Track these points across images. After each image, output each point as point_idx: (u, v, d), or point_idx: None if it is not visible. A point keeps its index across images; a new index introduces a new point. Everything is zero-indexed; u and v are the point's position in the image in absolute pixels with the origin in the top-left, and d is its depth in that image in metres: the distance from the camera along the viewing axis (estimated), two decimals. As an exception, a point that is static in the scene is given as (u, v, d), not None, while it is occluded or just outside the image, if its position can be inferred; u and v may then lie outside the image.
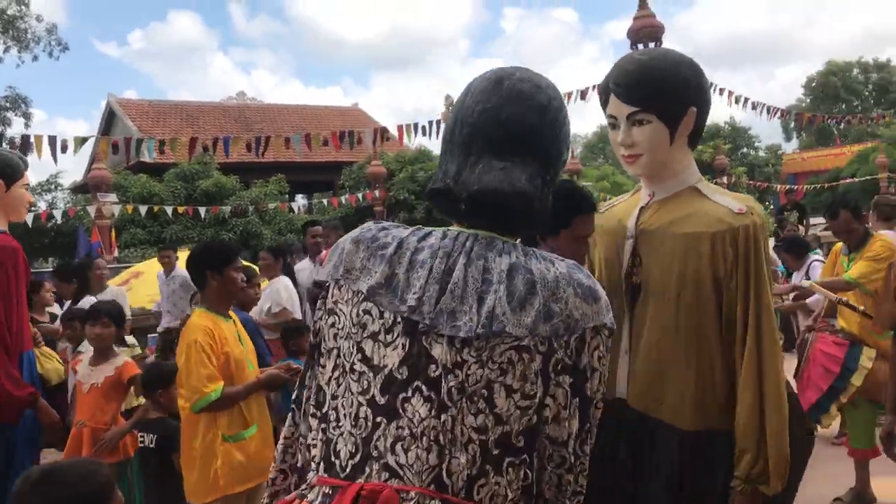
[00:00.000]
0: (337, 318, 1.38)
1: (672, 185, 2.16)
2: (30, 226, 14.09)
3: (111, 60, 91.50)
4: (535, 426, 1.28)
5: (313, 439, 1.39)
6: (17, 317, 3.40)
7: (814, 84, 45.91)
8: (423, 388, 1.26)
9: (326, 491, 1.28)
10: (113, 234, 14.03)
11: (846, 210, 4.86)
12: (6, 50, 27.45)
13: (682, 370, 2.09)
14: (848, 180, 24.51)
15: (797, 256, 6.47)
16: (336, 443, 1.32)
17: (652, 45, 12.97)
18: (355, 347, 1.33)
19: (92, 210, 13.11)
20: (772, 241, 9.82)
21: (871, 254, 4.71)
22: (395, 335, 1.30)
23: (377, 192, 17.07)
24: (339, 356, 1.37)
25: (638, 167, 2.15)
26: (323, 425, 1.37)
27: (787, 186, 26.44)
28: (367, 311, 1.33)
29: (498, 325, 1.26)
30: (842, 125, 27.28)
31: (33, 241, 22.71)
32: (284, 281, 6.52)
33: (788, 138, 46.69)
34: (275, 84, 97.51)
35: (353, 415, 1.31)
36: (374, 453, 1.27)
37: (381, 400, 1.28)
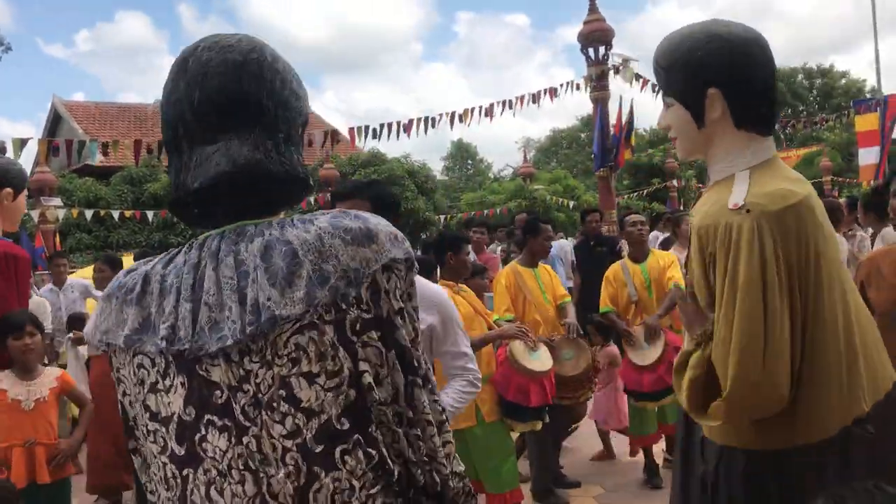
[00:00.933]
0: (124, 385, 1.26)
1: (716, 172, 1.95)
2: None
3: (57, 62, 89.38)
4: (357, 401, 1.14)
5: None
6: None
7: (760, 89, 46.74)
8: (215, 419, 1.15)
9: None
10: (57, 238, 13.69)
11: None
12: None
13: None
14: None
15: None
16: None
17: (602, 48, 13.08)
18: (142, 407, 1.22)
19: (35, 214, 12.77)
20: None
21: None
22: (171, 377, 1.18)
23: (329, 196, 16.91)
24: (136, 426, 1.26)
25: (677, 150, 2.05)
26: (152, 499, 1.27)
27: (735, 189, 26.86)
28: (140, 365, 1.21)
29: (267, 314, 1.11)
30: (787, 129, 27.88)
31: (-27, 246, 22.04)
32: None
33: (736, 142, 47.44)
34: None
35: (163, 478, 1.21)
36: None
37: (180, 451, 1.17)
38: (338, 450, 1.13)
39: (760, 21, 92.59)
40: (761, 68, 1.87)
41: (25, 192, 3.64)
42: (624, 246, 7.02)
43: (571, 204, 20.71)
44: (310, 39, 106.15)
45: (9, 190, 3.47)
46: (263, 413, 1.13)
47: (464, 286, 4.38)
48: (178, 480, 1.18)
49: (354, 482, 1.13)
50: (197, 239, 1.24)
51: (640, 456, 5.63)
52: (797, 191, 1.78)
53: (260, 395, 1.13)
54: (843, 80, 47.11)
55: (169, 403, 1.18)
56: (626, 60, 13.49)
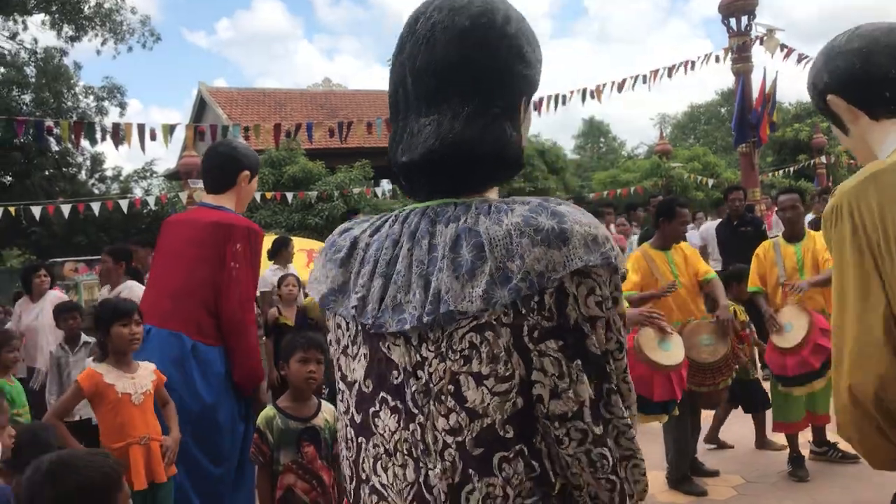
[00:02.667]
0: (330, 336, 1.31)
1: None
2: (125, 212, 14.59)
3: (200, 49, 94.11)
4: (525, 410, 1.09)
5: None
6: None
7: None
8: (389, 398, 1.16)
9: None
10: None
11: None
12: (104, 42, 28.46)
13: None
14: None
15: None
16: (342, 468, 1.28)
17: (745, 18, 12.45)
18: (336, 365, 1.27)
19: (184, 196, 13.48)
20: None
21: None
22: (358, 346, 1.21)
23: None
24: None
25: None
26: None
27: (892, 165, 25.06)
28: (338, 325, 1.25)
29: (444, 306, 1.09)
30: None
31: (130, 226, 23.63)
32: None
33: (893, 114, 44.35)
34: (358, 70, 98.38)
35: (344, 437, 1.26)
36: (363, 476, 1.21)
37: (358, 418, 1.21)
38: (497, 456, 1.10)
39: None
40: (867, 56, 1.80)
41: (257, 177, 3.99)
42: (774, 224, 6.68)
43: (711, 182, 19.92)
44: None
45: (246, 172, 3.88)
46: (432, 404, 1.12)
47: None
48: (354, 445, 1.22)
49: (509, 490, 1.10)
50: (403, 210, 1.24)
51: (784, 450, 5.36)
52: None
53: (431, 385, 1.12)
54: None
55: (353, 370, 1.22)
56: (770, 30, 12.76)
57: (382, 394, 1.17)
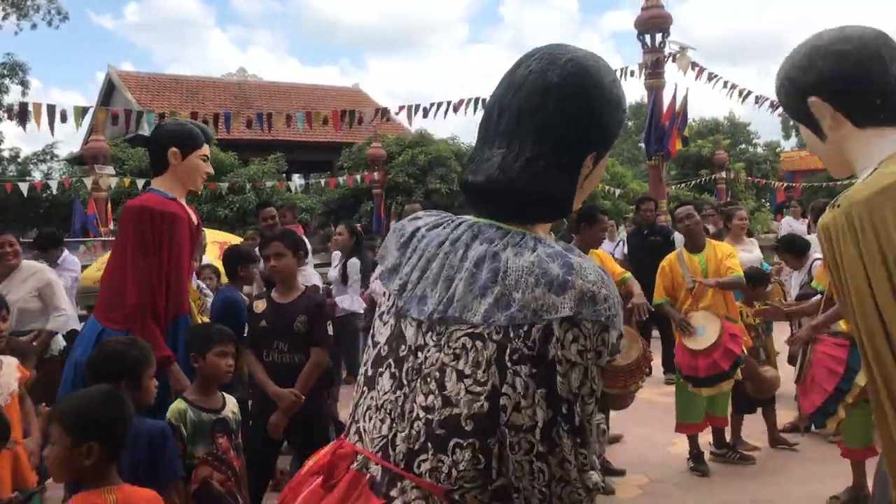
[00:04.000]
0: (379, 301, 1.51)
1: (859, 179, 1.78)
2: (24, 195, 13.95)
3: (106, 32, 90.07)
4: (488, 413, 1.26)
5: None
6: (176, 281, 3.67)
7: (815, 82, 45.74)
8: (392, 364, 1.37)
9: None
10: (109, 206, 13.95)
11: None
12: (5, 17, 27.16)
13: None
14: (846, 180, 24.45)
15: (797, 256, 6.38)
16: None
17: (659, 35, 12.88)
18: (372, 326, 1.48)
19: (88, 182, 13.01)
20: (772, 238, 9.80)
21: None
22: (389, 315, 1.42)
23: (376, 175, 16.99)
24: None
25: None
26: None
27: (785, 184, 26.41)
28: (383, 293, 1.46)
29: (453, 311, 1.30)
30: None
31: (28, 210, 22.56)
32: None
33: (787, 136, 46.62)
34: (272, 62, 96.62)
35: (359, 383, 1.46)
36: (356, 416, 1.41)
37: (370, 372, 1.42)
38: (453, 440, 1.27)
39: (814, 11, 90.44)
40: (858, 60, 1.72)
41: (204, 153, 3.83)
42: (678, 237, 6.96)
43: (618, 192, 20.51)
44: (355, 19, 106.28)
45: (174, 149, 3.74)
46: (419, 381, 1.32)
47: None
48: (359, 391, 1.43)
49: (454, 471, 1.27)
50: (458, 218, 1.43)
51: (685, 447, 5.62)
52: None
53: (423, 367, 1.32)
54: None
55: (380, 333, 1.43)
56: (683, 48, 13.29)
57: (390, 360, 1.38)
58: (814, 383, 4.66)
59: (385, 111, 14.79)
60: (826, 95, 1.74)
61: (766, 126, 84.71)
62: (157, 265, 3.58)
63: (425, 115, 13.49)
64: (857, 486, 4.71)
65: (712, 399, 5.46)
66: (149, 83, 26.92)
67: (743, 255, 7.01)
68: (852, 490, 4.72)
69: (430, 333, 1.33)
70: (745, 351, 5.48)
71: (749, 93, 15.40)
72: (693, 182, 24.46)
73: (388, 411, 1.34)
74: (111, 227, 13.22)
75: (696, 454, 5.50)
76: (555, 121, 1.33)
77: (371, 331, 1.47)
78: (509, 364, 1.25)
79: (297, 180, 22.73)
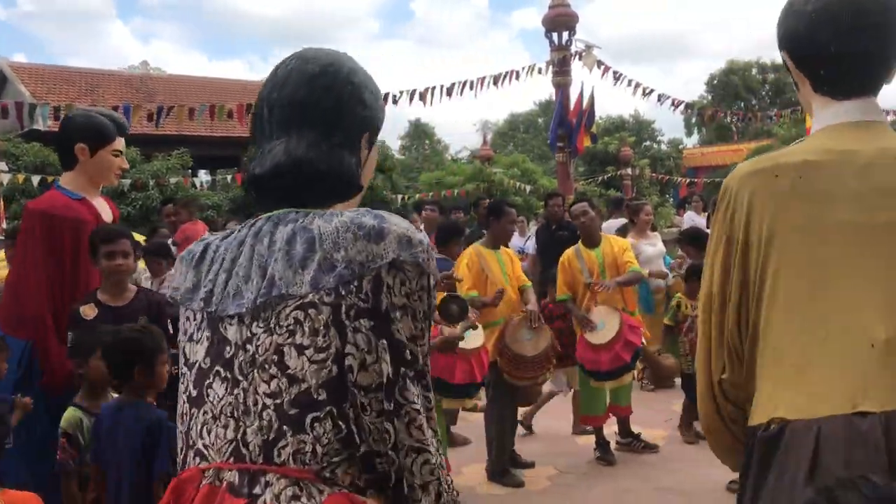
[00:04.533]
0: (182, 329, 1.46)
1: None
2: None
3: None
4: (337, 377, 1.25)
5: None
6: (85, 284, 3.45)
7: (715, 82, 47.50)
8: (221, 370, 1.33)
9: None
10: (1, 204, 13.29)
11: None
12: None
13: None
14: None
15: (699, 248, 6.60)
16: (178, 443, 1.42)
17: (566, 34, 13.10)
18: (181, 353, 1.43)
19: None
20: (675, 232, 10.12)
21: None
22: (202, 331, 1.37)
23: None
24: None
25: None
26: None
27: (688, 180, 27.31)
28: (188, 318, 1.42)
29: (276, 290, 1.28)
30: (741, 122, 28.36)
31: None
32: None
33: (689, 133, 48.22)
34: (177, 56, 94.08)
35: (180, 414, 1.40)
36: (191, 442, 1.35)
37: (194, 393, 1.36)
38: (309, 416, 1.24)
39: (714, 13, 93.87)
40: (809, 23, 1.67)
41: (117, 148, 3.60)
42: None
43: (528, 188, 20.79)
44: (262, 12, 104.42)
45: (81, 145, 3.51)
46: (256, 372, 1.28)
47: None
48: (187, 417, 1.37)
49: (318, 448, 1.25)
50: (252, 219, 1.43)
51: (591, 437, 5.74)
52: (786, 155, 1.63)
53: (257, 356, 1.29)
54: (795, 77, 47.84)
55: (196, 352, 1.38)
56: (589, 47, 13.55)
57: (217, 367, 1.33)
58: None
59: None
60: (788, 52, 1.75)
61: (670, 123, 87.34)
62: (58, 272, 3.40)
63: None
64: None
65: (615, 391, 5.61)
66: (44, 75, 25.74)
67: (648, 248, 7.23)
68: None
69: (255, 322, 1.30)
70: (645, 342, 5.63)
71: (652, 91, 15.82)
72: (600, 178, 25.02)
73: (229, 414, 1.30)
74: (3, 226, 12.58)
75: (601, 444, 5.63)
76: (323, 107, 1.41)
77: (180, 361, 1.42)
78: (347, 322, 1.25)
79: (203, 176, 22.16)
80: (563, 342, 5.59)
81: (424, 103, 13.12)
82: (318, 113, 1.41)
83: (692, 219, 10.72)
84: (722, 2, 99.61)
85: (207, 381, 1.34)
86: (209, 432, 1.32)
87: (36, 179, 14.42)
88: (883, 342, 1.45)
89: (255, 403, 1.27)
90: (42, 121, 12.30)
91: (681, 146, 42.37)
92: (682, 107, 17.42)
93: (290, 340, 1.26)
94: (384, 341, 1.26)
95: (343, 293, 1.25)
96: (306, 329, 1.26)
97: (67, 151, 3.55)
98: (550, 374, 5.44)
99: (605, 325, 5.43)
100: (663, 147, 41.73)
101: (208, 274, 1.39)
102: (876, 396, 1.42)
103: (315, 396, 1.24)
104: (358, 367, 1.25)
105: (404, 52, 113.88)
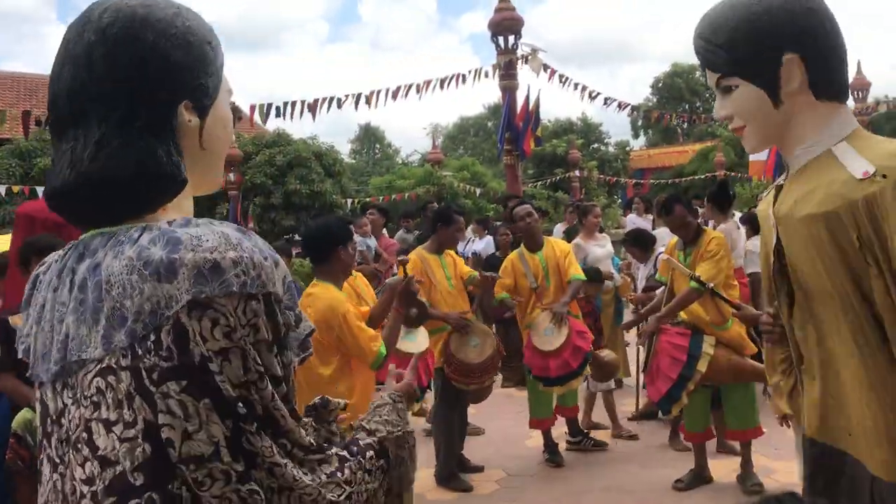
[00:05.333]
0: None
1: (802, 155, 1.71)
2: None
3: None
4: (154, 456, 1.00)
5: None
6: None
7: (660, 85, 48.24)
8: (46, 446, 1.11)
9: None
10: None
11: (680, 205, 4.98)
12: None
13: (857, 392, 1.63)
14: (690, 177, 25.92)
15: (644, 250, 6.71)
16: None
17: (511, 38, 13.16)
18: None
19: None
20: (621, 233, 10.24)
21: (710, 254, 4.79)
22: (38, 391, 1.16)
23: (232, 176, 16.47)
24: None
25: (746, 142, 1.78)
26: None
27: (634, 181, 27.69)
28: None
29: (70, 354, 1.05)
30: (686, 124, 28.87)
31: None
32: None
33: (636, 135, 48.87)
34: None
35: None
36: None
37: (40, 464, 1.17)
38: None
39: (659, 17, 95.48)
40: (831, 26, 1.61)
41: None
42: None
43: (478, 191, 20.84)
44: (211, 16, 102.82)
45: None
46: (70, 452, 1.06)
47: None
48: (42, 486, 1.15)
49: None
50: (70, 244, 1.15)
51: (540, 440, 5.76)
52: None
53: (70, 433, 1.07)
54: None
55: (38, 417, 1.17)
56: (534, 50, 13.62)
57: (44, 441, 1.12)
58: (659, 372, 4.88)
59: (236, 110, 14.37)
60: (803, 55, 1.62)
61: (617, 126, 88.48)
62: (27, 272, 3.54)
63: (278, 114, 13.19)
64: (698, 468, 4.97)
65: (562, 394, 5.64)
66: (-20, 80, 25.05)
67: (597, 250, 7.29)
68: (694, 472, 4.97)
69: (65, 391, 1.07)
70: (592, 347, 5.66)
71: (598, 94, 15.99)
72: (549, 180, 25.21)
73: (54, 500, 1.08)
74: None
75: (550, 446, 5.65)
76: (111, 83, 1.07)
77: None
78: (153, 388, 0.99)
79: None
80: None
81: (370, 106, 13.07)
82: (105, 97, 1.07)
83: (634, 221, 10.91)
84: (666, 5, 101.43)
85: (42, 457, 1.13)
86: None
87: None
88: None
89: (73, 492, 1.04)
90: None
91: (628, 148, 42.94)
92: (628, 109, 17.67)
93: (96, 415, 1.03)
94: (207, 401, 1.00)
95: (140, 353, 1.00)
96: (110, 401, 1.01)
97: None
98: (496, 376, 5.45)
99: (552, 331, 5.42)
100: (611, 149, 42.21)
101: (27, 322, 1.16)
102: None
103: (132, 481, 1.00)
104: (180, 439, 0.99)
105: (353, 54, 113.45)
